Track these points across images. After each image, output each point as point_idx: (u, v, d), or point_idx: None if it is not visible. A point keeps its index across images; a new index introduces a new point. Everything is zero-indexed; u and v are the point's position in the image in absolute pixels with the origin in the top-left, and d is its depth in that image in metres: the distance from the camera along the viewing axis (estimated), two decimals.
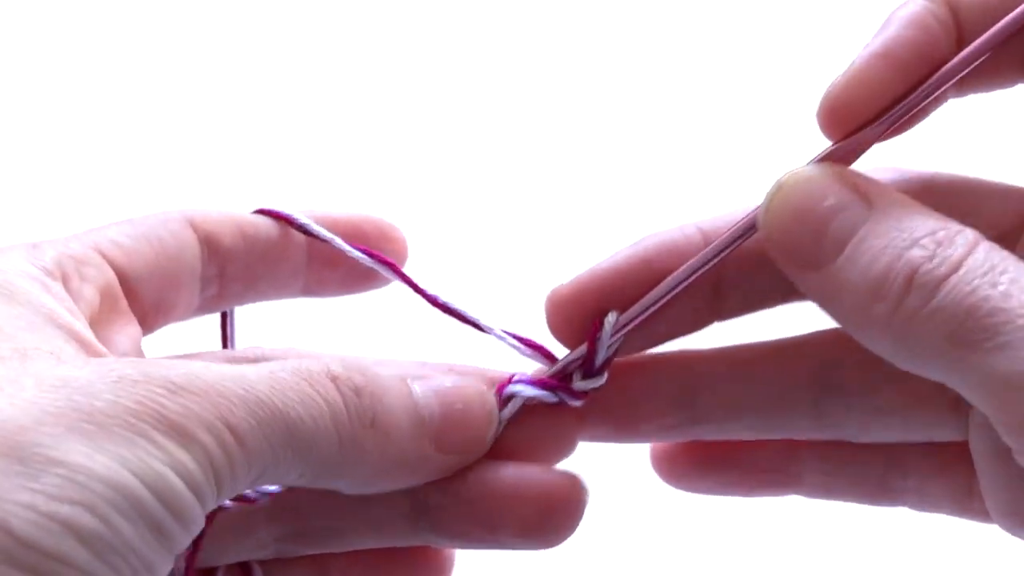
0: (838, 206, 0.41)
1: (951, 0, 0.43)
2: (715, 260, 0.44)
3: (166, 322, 0.49)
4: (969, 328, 0.38)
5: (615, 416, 0.48)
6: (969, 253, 0.39)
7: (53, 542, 0.34)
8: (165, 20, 0.91)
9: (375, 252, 0.49)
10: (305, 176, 0.87)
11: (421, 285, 0.48)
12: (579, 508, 0.45)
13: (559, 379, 0.46)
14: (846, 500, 0.49)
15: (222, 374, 0.39)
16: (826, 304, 0.42)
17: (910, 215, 0.40)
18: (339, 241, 0.49)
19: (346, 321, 0.63)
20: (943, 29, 0.42)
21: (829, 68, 0.43)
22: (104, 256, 0.46)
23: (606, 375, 0.46)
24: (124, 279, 0.46)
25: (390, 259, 0.49)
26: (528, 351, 0.47)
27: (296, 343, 0.50)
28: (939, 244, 0.40)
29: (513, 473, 0.45)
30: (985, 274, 0.38)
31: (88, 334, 0.43)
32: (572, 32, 0.90)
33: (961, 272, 0.39)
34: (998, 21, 0.42)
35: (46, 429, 0.36)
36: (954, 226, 0.40)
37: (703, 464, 0.49)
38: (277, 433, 0.40)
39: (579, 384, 0.46)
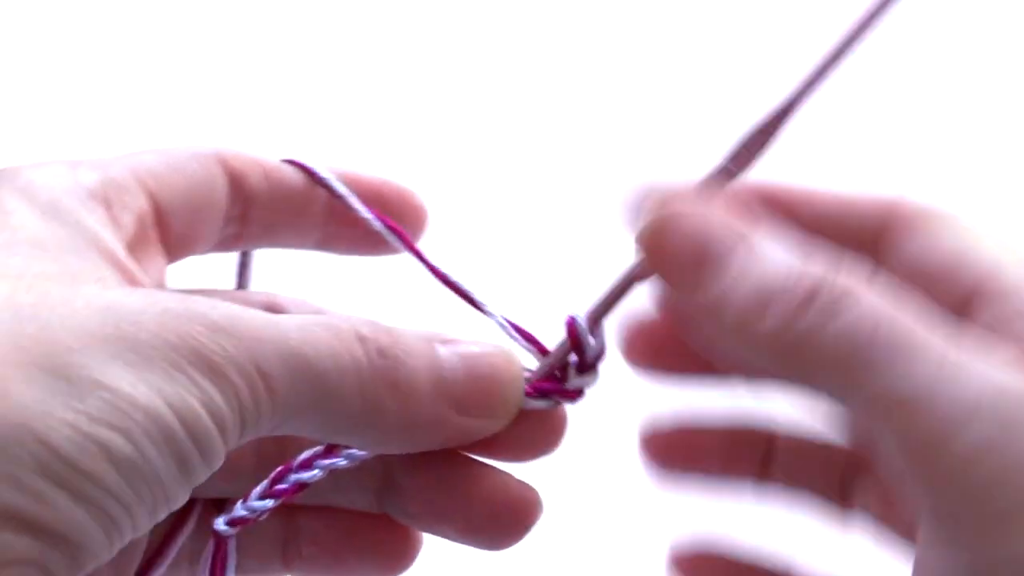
0: (723, 233, 0.41)
1: None
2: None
3: (187, 255, 0.50)
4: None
5: None
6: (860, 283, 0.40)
7: (89, 461, 0.36)
8: None
9: (387, 218, 0.50)
10: (344, 137, 0.87)
11: (429, 258, 0.49)
12: (529, 520, 0.46)
13: (553, 380, 0.46)
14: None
15: (258, 319, 0.40)
16: (707, 319, 0.42)
17: (788, 250, 0.41)
18: (354, 199, 0.50)
19: (354, 281, 0.63)
20: None
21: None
22: (140, 184, 0.46)
23: (599, 372, 0.46)
24: (156, 209, 0.47)
25: (399, 227, 0.49)
26: (525, 343, 0.47)
27: (306, 296, 0.50)
28: (833, 271, 0.40)
29: (475, 472, 0.46)
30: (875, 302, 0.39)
31: (128, 262, 0.44)
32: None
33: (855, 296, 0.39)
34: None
35: (94, 353, 0.37)
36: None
37: (688, 454, 0.50)
38: (305, 384, 0.40)
39: (575, 382, 0.46)
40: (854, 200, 0.46)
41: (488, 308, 0.47)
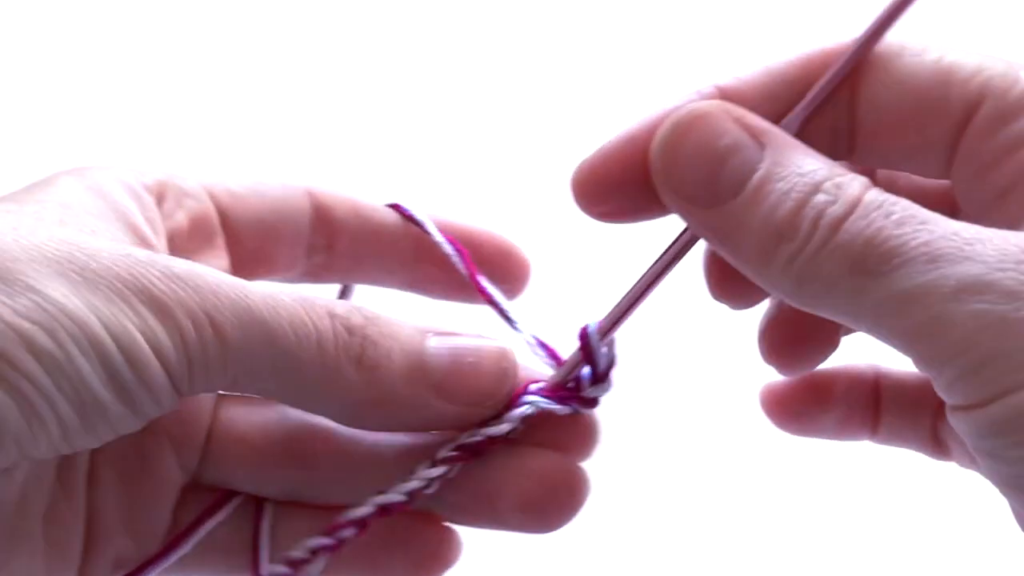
0: (734, 145, 0.42)
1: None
2: (675, 263, 0.45)
3: (268, 274, 0.53)
4: (868, 256, 0.40)
5: None
6: (864, 193, 0.41)
7: (8, 346, 0.40)
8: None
9: (453, 239, 0.51)
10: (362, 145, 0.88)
11: (480, 280, 0.51)
12: (581, 495, 0.47)
13: (568, 388, 0.47)
14: (910, 448, 0.53)
15: (223, 279, 0.43)
16: (723, 243, 0.42)
17: (805, 158, 0.42)
18: (431, 224, 0.51)
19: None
20: None
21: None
22: (211, 194, 0.50)
23: (612, 381, 0.47)
24: (226, 219, 0.51)
25: (461, 245, 0.51)
26: (550, 361, 0.48)
27: None
28: (838, 188, 0.41)
29: (519, 453, 0.47)
30: (879, 207, 0.41)
31: (152, 237, 0.47)
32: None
33: (859, 210, 0.40)
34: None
35: (38, 267, 0.41)
36: (846, 171, 0.42)
37: (810, 403, 0.53)
38: (259, 341, 0.43)
39: (589, 391, 0.47)
40: (810, 60, 0.45)
41: (518, 323, 0.49)
